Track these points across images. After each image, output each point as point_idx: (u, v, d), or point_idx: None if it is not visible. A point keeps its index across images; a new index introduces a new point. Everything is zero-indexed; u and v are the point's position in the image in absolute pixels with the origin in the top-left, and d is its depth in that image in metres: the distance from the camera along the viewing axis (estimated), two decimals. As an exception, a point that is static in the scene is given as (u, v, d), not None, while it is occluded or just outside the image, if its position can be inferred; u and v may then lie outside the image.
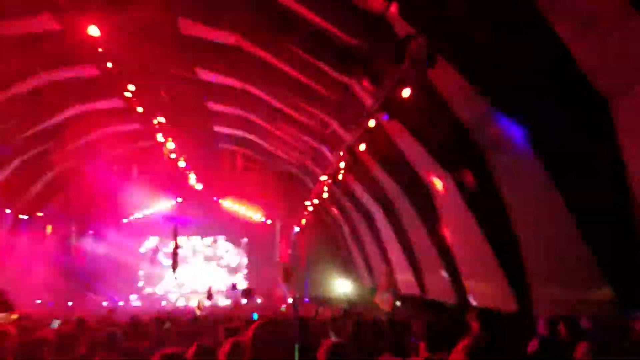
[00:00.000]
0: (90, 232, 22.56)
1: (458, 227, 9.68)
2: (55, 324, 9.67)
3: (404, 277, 13.35)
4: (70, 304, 19.68)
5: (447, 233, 10.13)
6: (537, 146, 6.78)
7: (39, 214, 18.81)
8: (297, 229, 22.08)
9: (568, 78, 5.80)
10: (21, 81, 11.77)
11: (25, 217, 17.79)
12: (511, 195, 7.87)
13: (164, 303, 22.49)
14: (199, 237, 24.89)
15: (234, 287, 22.98)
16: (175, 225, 20.48)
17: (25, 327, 7.71)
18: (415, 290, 12.73)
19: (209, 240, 25.33)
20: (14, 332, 5.00)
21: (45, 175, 17.35)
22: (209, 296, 18.24)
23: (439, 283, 11.35)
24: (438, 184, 9.73)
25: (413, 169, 10.09)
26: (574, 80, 5.64)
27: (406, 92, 7.40)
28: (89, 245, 22.38)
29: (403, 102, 7.60)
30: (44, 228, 19.94)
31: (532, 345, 4.20)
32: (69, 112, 14.17)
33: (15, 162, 15.09)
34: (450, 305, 10.97)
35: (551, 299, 7.62)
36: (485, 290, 9.33)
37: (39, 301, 18.57)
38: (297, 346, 4.11)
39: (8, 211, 16.40)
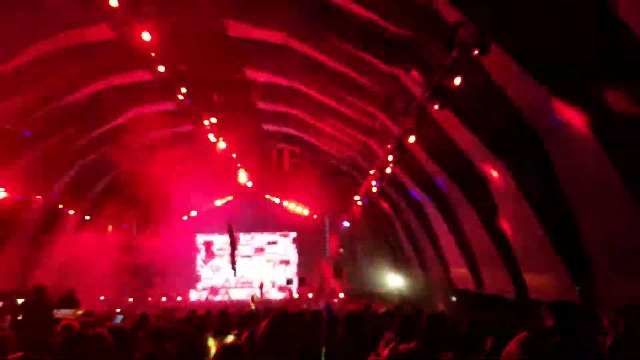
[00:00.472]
0: (150, 230, 23.47)
1: (516, 219, 9.38)
2: (119, 319, 10.13)
3: (459, 272, 13.08)
4: (131, 300, 20.56)
5: (504, 225, 9.83)
6: (597, 131, 6.47)
7: (101, 214, 19.71)
8: (346, 224, 22.08)
9: (628, 59, 5.49)
10: (80, 88, 12.36)
11: (88, 217, 18.67)
12: (571, 183, 7.55)
13: (219, 297, 23.12)
14: (251, 233, 25.43)
15: (288, 282, 23.44)
16: (229, 221, 20.96)
17: (88, 322, 8.10)
18: (471, 285, 12.43)
19: (260, 236, 25.83)
20: (77, 326, 5.37)
21: (105, 177, 18.19)
22: (260, 290, 18.63)
23: (496, 277, 11.04)
24: (493, 174, 9.45)
25: (467, 160, 9.83)
26: (635, 61, 5.33)
27: (457, 81, 7.25)
28: (149, 242, 23.30)
29: (454, 91, 7.44)
30: (106, 227, 20.89)
31: (609, 340, 4.01)
32: (126, 116, 14.76)
33: (77, 166, 15.90)
34: (509, 299, 10.65)
35: (615, 291, 7.28)
36: (546, 283, 9.01)
37: (102, 298, 19.49)
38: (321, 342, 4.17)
39: (72, 212, 17.27)
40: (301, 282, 23.33)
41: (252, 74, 12.89)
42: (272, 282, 24.66)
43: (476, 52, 6.58)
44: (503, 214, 9.83)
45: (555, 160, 7.64)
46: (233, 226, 21.13)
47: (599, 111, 6.33)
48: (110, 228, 21.18)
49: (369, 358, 3.66)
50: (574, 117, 6.83)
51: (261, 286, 19.24)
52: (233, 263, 16.21)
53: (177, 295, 21.26)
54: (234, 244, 17.28)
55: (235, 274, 18.04)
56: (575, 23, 5.79)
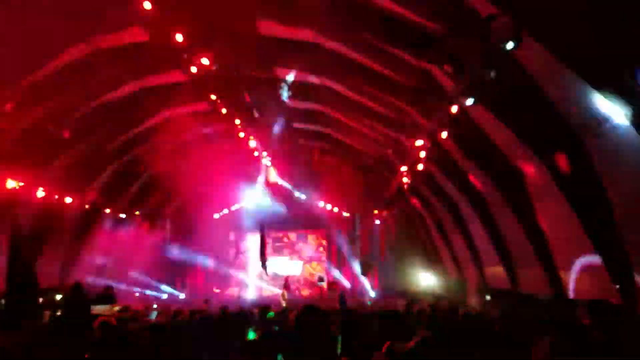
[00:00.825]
0: (184, 228, 23.92)
1: (553, 216, 9.12)
2: (153, 315, 10.35)
3: (494, 271, 12.81)
4: (165, 296, 20.99)
5: (541, 223, 9.56)
6: (638, 125, 6.20)
7: (136, 213, 20.18)
8: (377, 221, 21.94)
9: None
10: (115, 89, 12.65)
11: (124, 216, 19.13)
12: (610, 180, 7.28)
13: (251, 294, 23.35)
14: (281, 231, 25.60)
15: (320, 279, 23.53)
16: (261, 222, 21.15)
17: (124, 317, 8.30)
18: (506, 284, 12.16)
19: (290, 234, 25.97)
20: (114, 322, 5.56)
21: (140, 177, 18.60)
22: (287, 287, 18.72)
23: (532, 276, 10.76)
24: (530, 171, 9.20)
25: (502, 156, 9.60)
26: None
27: (491, 75, 7.07)
28: (183, 240, 23.74)
29: (488, 86, 7.26)
30: (141, 226, 21.38)
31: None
32: (160, 117, 15.04)
33: (113, 166, 16.31)
34: (545, 299, 10.37)
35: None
36: (584, 282, 8.73)
37: (137, 294, 19.96)
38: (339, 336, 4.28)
39: (108, 211, 17.73)
40: (319, 279, 23.62)
41: (282, 72, 12.92)
42: (300, 279, 24.87)
43: (510, 45, 6.41)
44: (540, 211, 9.56)
45: (595, 156, 7.38)
46: (265, 223, 21.33)
47: (638, 104, 6.08)
48: (145, 226, 21.66)
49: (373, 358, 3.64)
50: (613, 112, 6.57)
51: (286, 282, 19.30)
52: (263, 261, 16.35)
53: (210, 293, 21.54)
54: (264, 243, 17.41)
55: (266, 272, 18.16)
56: (615, 12, 5.56)
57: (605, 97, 6.49)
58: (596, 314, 3.43)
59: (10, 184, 12.10)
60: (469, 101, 7.93)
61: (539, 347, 3.35)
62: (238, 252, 22.27)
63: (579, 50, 6.33)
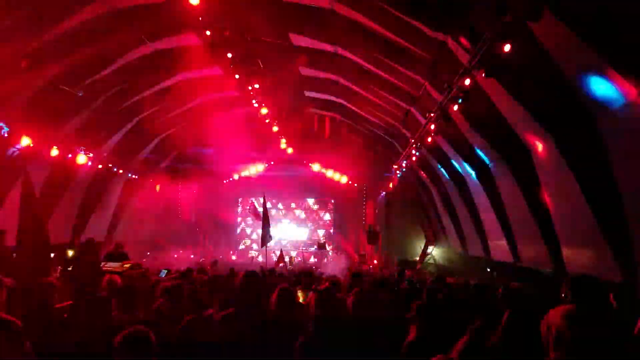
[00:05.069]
0: (194, 191, 24.28)
1: (559, 192, 9.19)
2: (163, 273, 10.65)
3: (498, 244, 12.99)
4: (175, 256, 21.49)
5: (546, 198, 9.65)
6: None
7: (148, 174, 20.47)
8: (384, 192, 22.12)
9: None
10: (129, 51, 12.68)
11: (136, 177, 19.43)
12: (620, 158, 7.31)
13: (259, 258, 23.86)
14: (289, 199, 25.94)
15: (320, 246, 23.93)
16: (267, 187, 21.38)
17: (133, 275, 8.54)
18: (509, 258, 12.35)
19: (298, 201, 26.32)
20: (118, 280, 5.87)
21: (153, 139, 18.80)
22: (281, 259, 18.98)
23: (534, 250, 10.92)
24: (539, 146, 9.24)
25: (511, 130, 9.62)
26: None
27: (506, 48, 7.05)
28: (193, 203, 24.15)
29: (503, 59, 7.24)
30: (153, 187, 21.72)
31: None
32: (174, 80, 15.09)
33: (126, 127, 16.48)
34: (546, 273, 10.56)
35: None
36: (586, 259, 8.87)
37: (148, 253, 20.44)
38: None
39: (121, 172, 18.00)
40: (321, 246, 23.97)
41: (297, 39, 12.87)
42: (304, 244, 25.42)
43: (528, 17, 6.38)
44: (546, 187, 9.63)
45: (605, 133, 7.40)
46: (273, 193, 21.53)
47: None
48: (157, 188, 21.99)
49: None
50: (628, 91, 6.57)
51: (281, 254, 19.54)
52: (264, 237, 16.60)
53: (219, 255, 22.01)
54: (266, 213, 17.58)
55: (268, 239, 18.38)
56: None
57: (621, 76, 6.48)
58: (577, 289, 3.56)
59: (25, 141, 12.32)
60: (482, 74, 7.91)
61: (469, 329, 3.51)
62: (253, 214, 22.39)
63: (599, 27, 6.29)
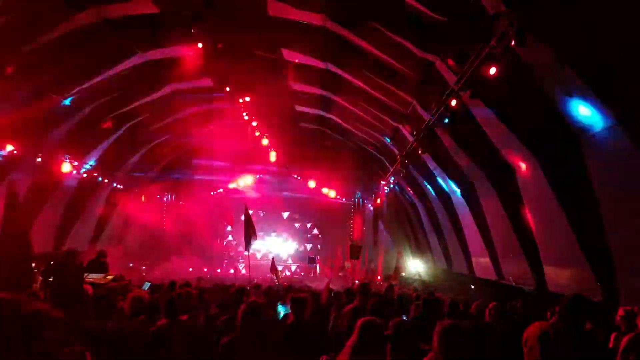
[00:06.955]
0: (180, 202, 24.10)
1: (542, 213, 9.34)
2: (146, 286, 10.52)
3: (481, 261, 13.11)
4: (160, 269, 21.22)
5: (529, 218, 9.80)
6: (632, 133, 6.39)
7: (135, 185, 20.29)
8: (371, 207, 22.20)
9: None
10: (120, 61, 12.67)
11: (121, 187, 19.25)
12: (602, 181, 7.47)
13: (244, 272, 23.67)
14: (276, 212, 25.85)
15: (311, 260, 23.93)
16: (253, 199, 21.32)
17: (115, 288, 8.43)
18: (492, 275, 12.47)
19: (286, 215, 26.25)
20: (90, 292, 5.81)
21: (140, 149, 18.68)
22: (273, 269, 18.90)
23: (517, 269, 11.05)
24: (522, 166, 9.41)
25: (496, 150, 9.79)
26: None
27: (492, 71, 7.21)
28: (179, 215, 23.92)
29: (488, 81, 7.40)
30: (139, 198, 21.49)
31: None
32: (164, 91, 15.07)
33: (113, 137, 16.36)
34: (528, 291, 10.67)
35: (637, 292, 7.23)
36: (567, 278, 9.00)
37: (131, 264, 20.15)
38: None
39: (106, 181, 17.83)
40: (311, 261, 24.15)
41: (288, 55, 12.99)
42: (289, 255, 25.43)
43: (514, 43, 6.54)
44: (529, 207, 9.79)
45: (588, 157, 7.57)
46: (260, 204, 21.45)
47: (635, 109, 6.25)
48: (143, 198, 21.77)
49: None
50: (609, 114, 6.75)
51: (272, 264, 19.44)
52: (248, 242, 16.54)
53: (204, 269, 21.78)
54: (250, 224, 17.44)
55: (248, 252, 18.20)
56: (615, 15, 5.71)
57: (602, 100, 6.67)
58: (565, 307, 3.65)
59: (9, 148, 12.18)
60: (468, 95, 8.06)
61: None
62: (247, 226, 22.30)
63: (582, 52, 6.47)
